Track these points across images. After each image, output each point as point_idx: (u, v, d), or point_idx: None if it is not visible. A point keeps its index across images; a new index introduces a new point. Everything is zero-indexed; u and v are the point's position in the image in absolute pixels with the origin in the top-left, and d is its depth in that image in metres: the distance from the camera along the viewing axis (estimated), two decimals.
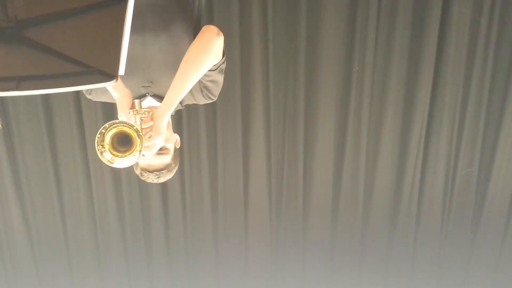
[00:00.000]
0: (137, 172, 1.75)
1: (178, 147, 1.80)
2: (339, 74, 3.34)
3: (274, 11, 3.16)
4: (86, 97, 1.86)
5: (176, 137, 1.78)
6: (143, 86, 1.66)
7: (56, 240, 3.79)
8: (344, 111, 3.43)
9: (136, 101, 1.58)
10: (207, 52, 1.54)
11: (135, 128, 1.42)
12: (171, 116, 1.67)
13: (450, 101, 3.41)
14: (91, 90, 1.74)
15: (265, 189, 3.66)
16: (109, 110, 3.23)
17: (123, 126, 1.41)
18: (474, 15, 3.19)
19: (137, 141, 1.41)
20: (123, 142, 1.43)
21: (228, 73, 3.25)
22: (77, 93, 3.17)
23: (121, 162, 1.43)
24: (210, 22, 3.13)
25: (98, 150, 1.41)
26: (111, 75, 1.01)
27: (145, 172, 1.72)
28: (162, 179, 1.75)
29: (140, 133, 1.42)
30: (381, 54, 3.29)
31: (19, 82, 1.01)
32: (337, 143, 3.54)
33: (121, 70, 1.03)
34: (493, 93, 3.45)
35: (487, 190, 3.73)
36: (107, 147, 1.41)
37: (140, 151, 1.41)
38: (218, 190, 3.66)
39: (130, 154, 1.42)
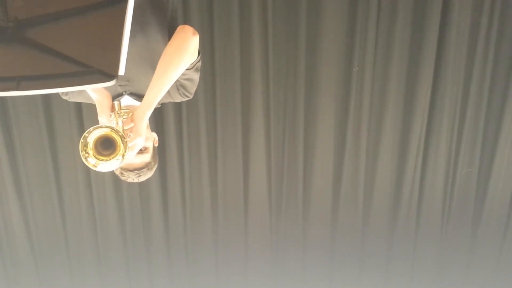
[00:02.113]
0: (117, 172, 1.75)
1: (156, 145, 1.82)
2: (339, 74, 3.34)
3: (274, 11, 3.16)
4: None
5: (154, 135, 1.80)
6: (120, 85, 1.67)
7: (56, 240, 3.78)
8: (344, 111, 3.43)
9: (116, 102, 1.59)
10: (184, 52, 1.56)
11: (120, 133, 1.42)
12: None
13: (450, 101, 3.41)
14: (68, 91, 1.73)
15: (265, 189, 3.66)
16: None
17: (107, 130, 1.41)
18: (474, 15, 3.19)
19: (121, 145, 1.40)
20: (106, 146, 1.43)
21: (228, 73, 3.29)
22: None
23: (104, 166, 1.42)
24: (210, 22, 3.16)
25: (83, 155, 1.40)
26: (111, 75, 1.01)
27: (126, 171, 1.72)
28: (142, 178, 1.76)
29: (125, 138, 1.42)
30: (381, 54, 3.29)
31: (19, 82, 1.01)
32: (337, 143, 3.54)
33: (121, 70, 1.03)
34: (493, 93, 3.45)
35: (487, 190, 3.73)
36: (91, 152, 1.41)
37: (124, 155, 1.41)
38: (218, 190, 3.65)
39: (114, 158, 1.41)
